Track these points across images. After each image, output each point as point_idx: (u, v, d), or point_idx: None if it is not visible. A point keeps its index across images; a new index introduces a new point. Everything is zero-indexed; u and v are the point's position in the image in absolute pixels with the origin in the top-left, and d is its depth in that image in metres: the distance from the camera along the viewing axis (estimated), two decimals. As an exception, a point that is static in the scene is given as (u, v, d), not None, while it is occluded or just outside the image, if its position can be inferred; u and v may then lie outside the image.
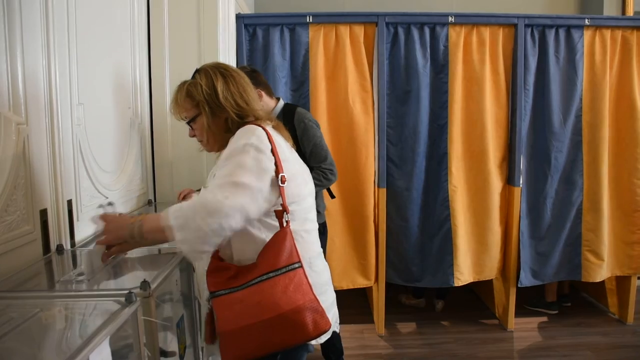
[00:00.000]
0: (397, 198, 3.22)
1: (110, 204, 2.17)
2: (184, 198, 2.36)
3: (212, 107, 1.44)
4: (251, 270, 1.31)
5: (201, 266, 1.45)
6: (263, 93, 2.47)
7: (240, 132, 1.40)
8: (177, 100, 1.50)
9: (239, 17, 3.06)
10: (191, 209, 1.25)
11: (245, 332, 1.25)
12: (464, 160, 3.22)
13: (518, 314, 3.39)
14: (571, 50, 3.20)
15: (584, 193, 3.31)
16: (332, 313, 1.51)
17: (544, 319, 3.51)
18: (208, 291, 1.38)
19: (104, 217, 1.33)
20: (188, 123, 1.51)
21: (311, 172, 1.66)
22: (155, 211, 2.58)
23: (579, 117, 3.26)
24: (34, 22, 1.62)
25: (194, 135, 1.53)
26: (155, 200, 2.76)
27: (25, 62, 1.57)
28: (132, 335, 1.20)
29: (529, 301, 3.64)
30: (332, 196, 2.77)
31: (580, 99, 3.24)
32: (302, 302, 1.26)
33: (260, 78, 2.51)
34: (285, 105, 2.57)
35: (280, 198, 1.34)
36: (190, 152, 2.80)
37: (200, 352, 1.84)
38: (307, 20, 3.07)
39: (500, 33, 3.15)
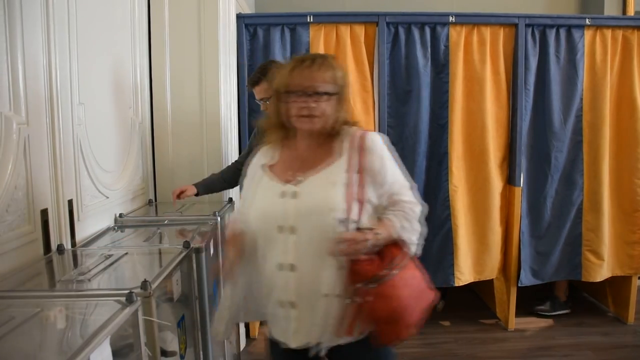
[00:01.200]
0: (397, 198, 3.22)
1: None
2: (180, 195, 2.46)
3: (341, 96, 1.47)
4: (393, 252, 1.43)
5: (325, 266, 1.41)
6: None
7: (373, 136, 1.50)
8: (323, 67, 1.44)
9: (240, 17, 3.06)
10: (409, 217, 1.48)
11: (416, 304, 1.48)
12: (464, 160, 3.22)
13: (518, 313, 3.39)
14: (572, 50, 3.19)
15: (584, 193, 3.30)
16: None
17: (545, 319, 3.51)
18: (361, 281, 1.37)
19: (347, 238, 1.37)
20: (315, 94, 1.43)
21: None
22: (156, 211, 2.59)
23: (579, 117, 3.26)
24: (35, 22, 1.62)
25: (307, 106, 1.43)
26: (155, 200, 2.76)
27: (26, 61, 1.57)
28: (133, 335, 1.20)
29: (540, 308, 3.56)
30: None
31: (581, 99, 3.24)
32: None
33: None
34: None
35: None
36: (191, 151, 2.80)
37: (201, 352, 1.85)
38: (308, 20, 3.07)
39: (501, 33, 3.15)
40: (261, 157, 1.57)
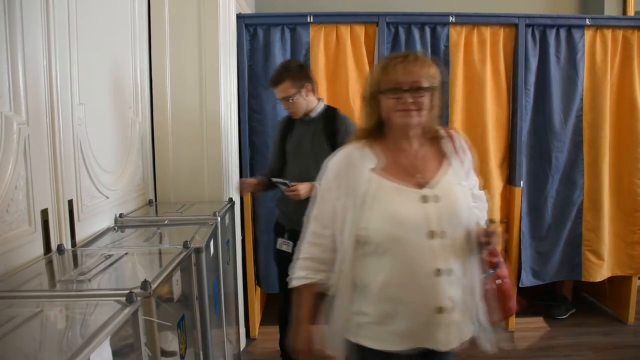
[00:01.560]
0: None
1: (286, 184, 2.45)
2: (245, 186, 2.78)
3: (437, 92, 1.49)
4: None
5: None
6: (311, 89, 2.54)
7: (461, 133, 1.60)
8: (425, 63, 1.47)
9: (240, 17, 3.06)
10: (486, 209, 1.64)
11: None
12: (464, 160, 3.22)
13: (518, 313, 3.38)
14: (572, 50, 3.20)
15: (584, 193, 3.30)
16: None
17: (545, 319, 3.50)
18: (489, 269, 1.57)
19: (489, 232, 1.49)
20: (420, 89, 1.43)
21: None
22: (156, 211, 2.59)
23: (579, 117, 3.26)
24: (35, 22, 1.62)
25: (415, 100, 1.44)
26: (155, 200, 2.76)
27: (26, 62, 1.57)
28: (133, 335, 1.20)
29: (556, 312, 3.54)
30: None
31: (581, 99, 3.24)
32: None
33: (310, 73, 2.63)
34: (326, 106, 2.63)
35: None
36: (191, 151, 2.80)
37: (201, 353, 1.85)
38: (308, 20, 3.07)
39: (501, 33, 3.15)
40: (363, 160, 1.49)
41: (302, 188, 2.40)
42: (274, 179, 2.54)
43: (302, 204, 2.31)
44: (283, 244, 2.61)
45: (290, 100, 2.49)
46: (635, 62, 3.22)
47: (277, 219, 2.74)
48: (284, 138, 2.66)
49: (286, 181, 2.46)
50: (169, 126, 2.78)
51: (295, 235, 2.28)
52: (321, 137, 2.52)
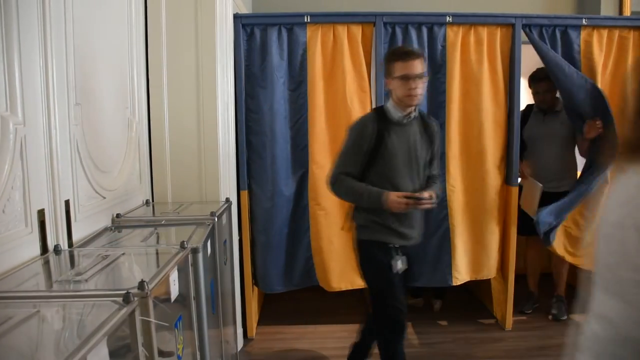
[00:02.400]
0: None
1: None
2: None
3: None
4: None
5: None
6: None
7: None
8: None
9: (237, 17, 3.05)
10: None
11: None
12: (461, 160, 3.23)
13: (516, 313, 3.40)
14: (568, 50, 3.20)
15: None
16: None
17: (543, 318, 3.51)
18: None
19: None
20: None
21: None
22: (153, 211, 2.58)
23: (576, 117, 3.27)
24: (31, 22, 1.62)
25: None
26: (152, 200, 2.76)
27: (23, 62, 1.56)
28: (130, 335, 1.20)
29: (554, 313, 3.49)
30: None
31: (578, 99, 3.25)
32: None
33: None
34: None
35: None
36: (188, 151, 2.80)
37: (198, 353, 1.85)
38: (305, 20, 3.07)
39: (498, 33, 3.15)
40: None
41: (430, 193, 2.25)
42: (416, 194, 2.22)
43: (414, 216, 2.36)
44: (401, 263, 2.30)
45: (423, 79, 2.24)
46: (631, 62, 3.23)
47: (379, 239, 2.32)
48: (379, 143, 2.27)
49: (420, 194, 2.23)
50: (166, 126, 2.77)
51: (404, 251, 2.33)
52: (424, 141, 2.36)
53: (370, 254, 2.34)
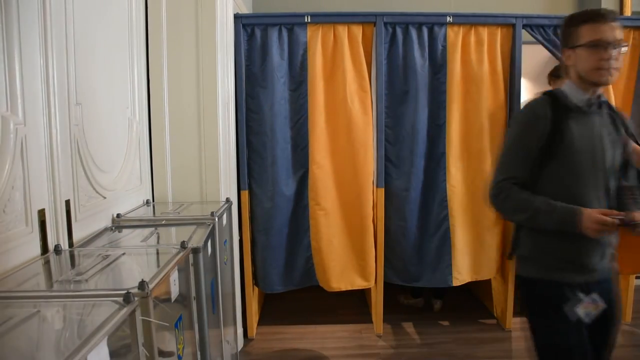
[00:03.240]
0: (395, 198, 3.22)
1: None
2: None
3: None
4: None
5: None
6: None
7: None
8: None
9: (237, 17, 3.06)
10: None
11: None
12: (462, 160, 3.23)
13: (516, 313, 3.40)
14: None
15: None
16: None
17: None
18: None
19: None
20: None
21: None
22: (153, 211, 2.58)
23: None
24: (32, 22, 1.62)
25: None
26: (153, 200, 2.76)
27: (23, 61, 1.56)
28: (130, 335, 1.20)
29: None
30: None
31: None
32: None
33: None
34: None
35: None
36: (188, 151, 2.80)
37: (199, 353, 1.85)
38: (306, 20, 3.07)
39: (499, 33, 3.15)
40: None
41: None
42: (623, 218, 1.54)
43: (608, 242, 1.71)
44: (591, 306, 1.68)
45: (623, 50, 1.65)
46: (630, 62, 3.23)
47: (557, 279, 1.70)
48: (555, 137, 1.66)
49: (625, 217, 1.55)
50: (166, 126, 2.78)
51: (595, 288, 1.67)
52: (614, 137, 1.73)
53: (543, 300, 1.76)
